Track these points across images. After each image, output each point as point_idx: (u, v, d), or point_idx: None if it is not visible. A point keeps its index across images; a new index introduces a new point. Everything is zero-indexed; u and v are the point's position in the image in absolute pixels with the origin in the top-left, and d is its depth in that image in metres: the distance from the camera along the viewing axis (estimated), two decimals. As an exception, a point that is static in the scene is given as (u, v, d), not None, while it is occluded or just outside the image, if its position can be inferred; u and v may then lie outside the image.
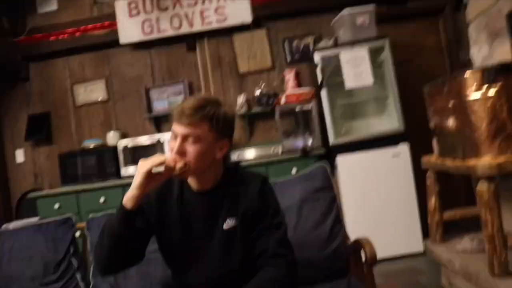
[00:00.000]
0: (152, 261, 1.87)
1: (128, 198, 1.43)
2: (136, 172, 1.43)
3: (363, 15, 3.84)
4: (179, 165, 1.42)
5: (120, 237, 1.44)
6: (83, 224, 2.35)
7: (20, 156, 4.65)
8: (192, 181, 1.58)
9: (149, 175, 1.40)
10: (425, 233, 3.28)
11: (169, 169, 1.41)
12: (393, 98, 3.82)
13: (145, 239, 1.57)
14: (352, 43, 3.79)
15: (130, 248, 1.49)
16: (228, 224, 1.54)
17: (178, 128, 1.46)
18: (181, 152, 1.45)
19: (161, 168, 1.40)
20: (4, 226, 2.67)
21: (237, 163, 1.70)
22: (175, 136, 1.47)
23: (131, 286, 2.04)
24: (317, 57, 3.84)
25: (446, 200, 2.95)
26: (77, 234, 2.37)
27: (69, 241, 2.28)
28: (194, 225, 1.56)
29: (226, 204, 1.55)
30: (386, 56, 3.83)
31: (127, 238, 1.45)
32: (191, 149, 1.45)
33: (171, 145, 1.49)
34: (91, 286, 2.20)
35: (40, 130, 4.53)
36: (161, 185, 1.55)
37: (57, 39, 4.52)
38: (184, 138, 1.45)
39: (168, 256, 1.62)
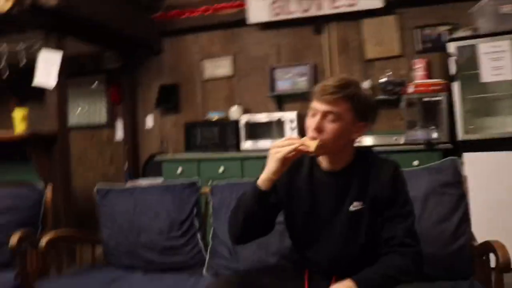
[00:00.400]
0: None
1: (263, 180, 1.48)
2: (270, 157, 1.47)
3: (508, 4, 3.52)
4: (313, 144, 1.42)
5: (254, 213, 1.52)
6: (207, 189, 2.49)
7: (150, 121, 5.02)
8: (323, 161, 1.59)
9: (284, 161, 1.43)
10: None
11: (302, 152, 1.43)
12: (535, 96, 3.47)
13: (276, 212, 1.63)
14: (494, 34, 3.50)
15: (262, 222, 1.57)
16: (355, 206, 1.53)
17: (319, 105, 1.48)
18: (319, 129, 1.47)
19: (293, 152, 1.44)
20: (133, 183, 2.91)
21: (370, 147, 1.67)
22: (313, 114, 1.50)
23: (247, 253, 2.12)
24: (452, 47, 3.61)
25: None
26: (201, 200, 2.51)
27: (193, 203, 2.43)
28: (321, 203, 1.58)
29: (355, 187, 1.54)
30: (532, 49, 3.48)
31: (260, 214, 1.53)
32: (330, 126, 1.47)
33: (308, 123, 1.52)
34: (209, 247, 2.33)
35: (169, 100, 4.84)
36: (292, 163, 1.57)
37: (189, 17, 4.76)
38: (324, 115, 1.47)
39: (292, 230, 1.65)
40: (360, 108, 1.49)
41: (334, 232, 1.55)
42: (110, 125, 5.21)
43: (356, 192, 1.54)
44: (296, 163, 1.61)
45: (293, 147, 1.41)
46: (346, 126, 1.48)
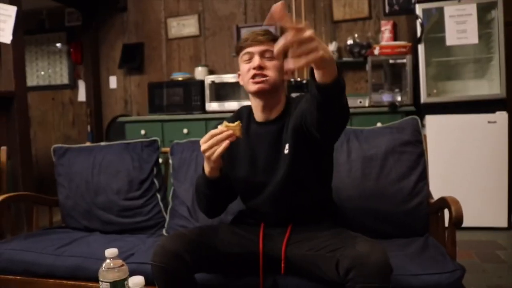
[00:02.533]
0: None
1: (209, 171, 1.52)
2: (204, 158, 1.48)
3: (476, -33, 3.50)
4: (237, 128, 1.42)
5: (212, 196, 1.59)
6: (167, 149, 2.44)
7: (113, 82, 4.89)
8: (258, 112, 1.63)
9: (218, 158, 1.44)
10: (512, 208, 3.08)
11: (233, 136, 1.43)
12: (498, 61, 3.50)
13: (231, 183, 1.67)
14: (460, -3, 3.50)
15: (223, 196, 1.65)
16: (287, 148, 1.55)
17: (254, 48, 1.57)
18: (261, 67, 1.54)
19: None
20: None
21: (300, 96, 1.68)
22: (249, 58, 1.58)
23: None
24: (418, 9, 3.59)
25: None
26: (160, 160, 2.46)
27: (153, 163, 2.38)
28: (259, 154, 1.61)
29: (286, 131, 1.57)
30: (498, 14, 3.49)
31: (218, 194, 1.60)
32: (270, 63, 1.56)
33: (246, 67, 1.58)
34: (169, 207, 2.30)
35: (133, 59, 4.71)
36: (230, 120, 1.59)
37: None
38: (262, 54, 1.55)
39: (238, 185, 1.67)
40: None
41: (276, 179, 1.56)
42: (71, 85, 5.05)
43: (286, 136, 1.57)
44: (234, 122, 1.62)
45: (222, 147, 1.40)
46: (281, 65, 1.55)
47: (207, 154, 1.42)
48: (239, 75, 1.66)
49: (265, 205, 1.61)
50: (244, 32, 4.35)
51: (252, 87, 1.56)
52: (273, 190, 1.57)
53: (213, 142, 1.40)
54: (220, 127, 1.43)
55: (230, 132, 1.41)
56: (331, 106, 1.26)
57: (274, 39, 1.52)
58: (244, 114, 1.70)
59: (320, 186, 1.62)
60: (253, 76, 1.54)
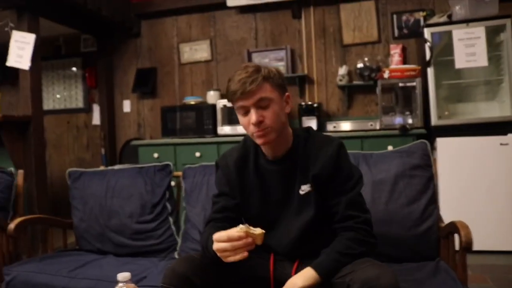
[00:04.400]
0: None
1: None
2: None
3: (483, -9, 3.54)
4: (259, 235, 1.35)
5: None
6: (179, 173, 2.47)
7: (127, 106, 4.97)
8: (265, 150, 1.60)
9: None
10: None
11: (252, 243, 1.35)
12: (508, 83, 3.52)
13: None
14: (468, 20, 3.53)
15: None
16: (303, 190, 1.55)
17: (247, 101, 1.47)
18: (260, 121, 1.46)
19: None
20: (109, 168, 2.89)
21: (308, 128, 1.66)
22: (245, 112, 1.49)
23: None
24: (427, 33, 3.63)
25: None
26: (173, 183, 2.49)
27: (165, 187, 2.42)
28: (271, 191, 1.60)
29: (300, 170, 1.56)
30: (506, 37, 3.51)
31: None
32: (268, 112, 1.47)
33: (245, 122, 1.51)
34: (182, 231, 2.33)
35: (146, 84, 4.79)
36: (238, 155, 1.63)
37: (167, -1, 4.69)
38: (256, 105, 1.47)
39: (250, 219, 1.65)
40: (277, 82, 1.51)
41: (288, 216, 1.58)
42: (86, 109, 5.15)
43: (301, 175, 1.56)
44: (242, 158, 1.63)
45: (238, 257, 1.32)
46: (279, 104, 1.51)
47: (220, 255, 1.36)
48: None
49: (277, 241, 1.60)
50: (255, 56, 4.43)
51: (258, 141, 1.52)
52: (285, 229, 1.58)
53: (229, 247, 1.33)
54: (239, 230, 1.32)
55: (250, 240, 1.32)
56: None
57: (265, 77, 1.47)
58: (251, 148, 1.65)
59: (328, 224, 1.57)
60: (256, 130, 1.49)
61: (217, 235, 1.36)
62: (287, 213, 1.58)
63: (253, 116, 1.46)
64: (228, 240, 1.33)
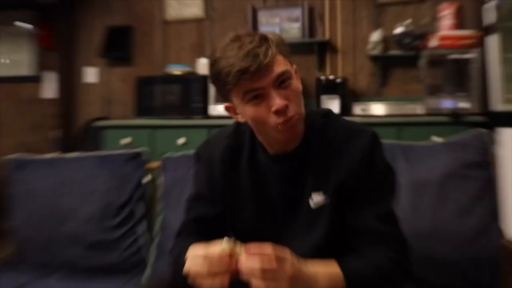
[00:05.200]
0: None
1: None
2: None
3: None
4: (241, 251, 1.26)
5: None
6: (155, 164, 2.43)
7: (91, 75, 4.95)
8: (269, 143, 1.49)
9: None
10: None
11: None
12: None
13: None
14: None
15: None
16: (316, 202, 1.45)
17: (262, 80, 1.30)
18: (286, 105, 1.32)
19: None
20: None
21: (327, 111, 1.54)
22: (259, 95, 1.33)
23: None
24: (491, -11, 3.57)
25: None
26: (147, 178, 2.44)
27: (136, 182, 2.39)
28: (271, 200, 1.51)
29: (312, 172, 1.46)
30: None
31: None
32: (289, 92, 1.34)
33: (262, 113, 1.35)
34: (155, 242, 2.29)
35: (118, 47, 4.79)
36: (228, 143, 1.54)
37: None
38: (276, 83, 1.32)
39: (241, 237, 1.56)
40: (287, 50, 1.39)
41: (292, 234, 1.49)
42: (36, 78, 5.09)
43: (314, 180, 1.45)
44: (232, 150, 1.54)
45: (216, 285, 1.22)
46: (296, 79, 1.39)
47: (191, 279, 1.26)
48: (228, 107, 1.47)
49: None
50: (262, 15, 4.40)
51: (285, 135, 1.38)
52: (289, 244, 1.44)
53: (204, 271, 1.23)
54: (222, 249, 1.22)
55: (233, 264, 1.21)
56: None
57: (277, 45, 1.33)
58: (245, 136, 1.55)
59: (343, 243, 1.50)
60: (283, 120, 1.33)
61: (192, 252, 1.28)
62: (291, 230, 1.50)
63: (276, 100, 1.31)
64: (204, 260, 1.23)
